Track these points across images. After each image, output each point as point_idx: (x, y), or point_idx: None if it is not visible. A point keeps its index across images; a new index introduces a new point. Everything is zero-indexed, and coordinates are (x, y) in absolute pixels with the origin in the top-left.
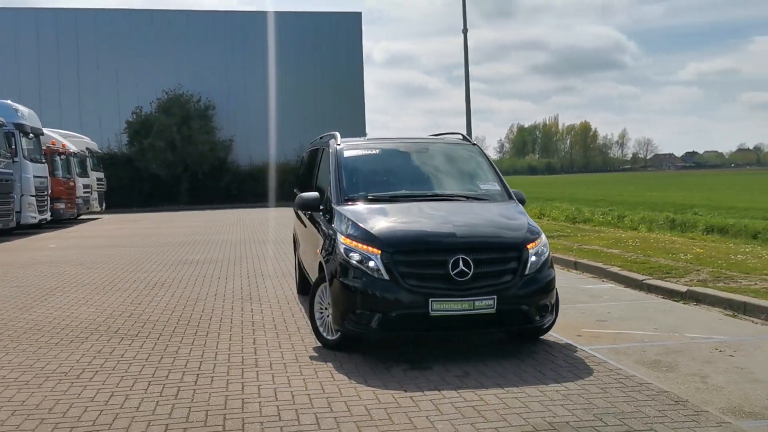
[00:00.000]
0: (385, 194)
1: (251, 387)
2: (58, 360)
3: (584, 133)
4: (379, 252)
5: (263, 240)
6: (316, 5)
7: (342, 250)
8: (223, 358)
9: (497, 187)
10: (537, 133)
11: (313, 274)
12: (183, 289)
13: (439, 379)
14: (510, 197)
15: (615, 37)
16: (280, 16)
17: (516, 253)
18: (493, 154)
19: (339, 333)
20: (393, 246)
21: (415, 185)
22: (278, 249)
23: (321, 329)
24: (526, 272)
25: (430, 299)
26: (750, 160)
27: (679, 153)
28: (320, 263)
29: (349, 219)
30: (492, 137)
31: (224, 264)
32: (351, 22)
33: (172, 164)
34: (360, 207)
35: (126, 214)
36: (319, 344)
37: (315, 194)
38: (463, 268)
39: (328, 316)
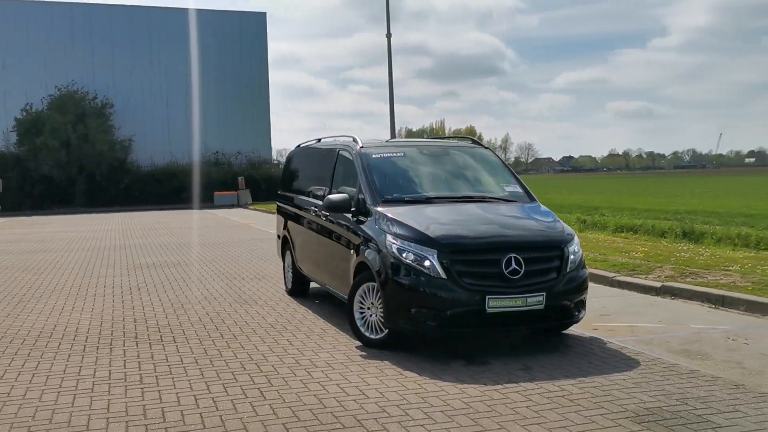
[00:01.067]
0: (420, 196)
1: (331, 386)
2: (111, 367)
3: None
4: (436, 251)
5: (207, 243)
6: (219, 3)
7: (394, 250)
8: (274, 360)
9: (519, 189)
10: (425, 136)
11: (332, 277)
12: (165, 292)
13: (507, 373)
14: (532, 198)
15: (495, 44)
16: (185, 13)
17: (559, 251)
18: None
19: (385, 331)
20: (450, 246)
21: (444, 187)
22: (228, 252)
23: (362, 329)
24: (567, 270)
25: (487, 296)
26: (620, 164)
27: (556, 157)
28: (358, 264)
29: (395, 219)
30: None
31: (183, 267)
32: (255, 22)
33: (67, 165)
34: (402, 208)
35: (21, 217)
36: (359, 344)
37: (344, 196)
38: (516, 266)
39: (371, 315)
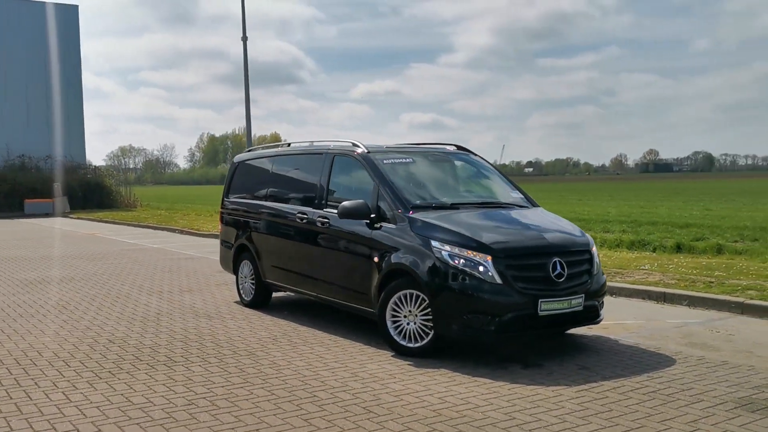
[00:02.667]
0: (443, 202)
1: (409, 397)
2: (146, 393)
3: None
4: (490, 257)
5: (81, 256)
6: None
7: (445, 256)
8: (326, 374)
9: (520, 194)
10: (228, 143)
11: (337, 288)
12: (110, 308)
13: (572, 374)
14: (535, 204)
15: (294, 53)
16: None
17: (589, 254)
18: (183, 163)
19: (426, 340)
20: (503, 251)
21: (462, 193)
22: (118, 265)
23: (398, 338)
24: (594, 271)
25: (540, 300)
26: None
27: None
28: (389, 272)
29: (438, 225)
30: (181, 146)
31: (90, 281)
32: (66, 15)
33: None
34: (435, 213)
35: None
36: (392, 353)
37: (361, 202)
38: (560, 270)
39: (408, 324)
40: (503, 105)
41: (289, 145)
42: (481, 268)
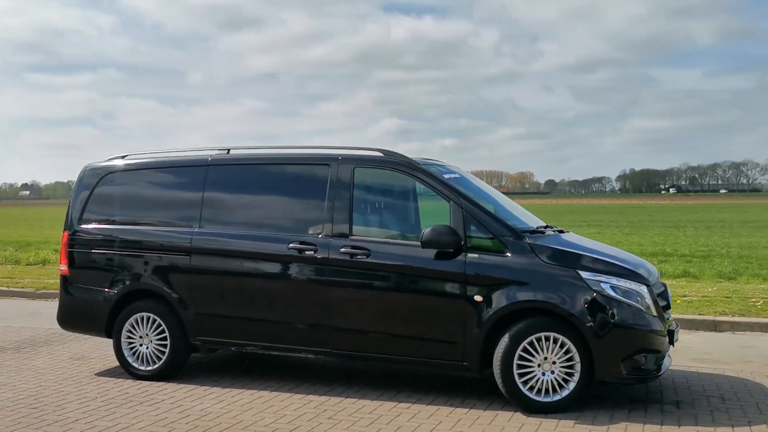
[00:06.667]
0: (527, 226)
1: None
2: None
3: None
4: (645, 287)
5: None
6: None
7: (606, 289)
8: None
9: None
10: None
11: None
12: None
13: (698, 411)
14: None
15: None
16: None
17: None
18: None
19: (568, 390)
20: (651, 279)
21: (519, 214)
22: None
23: (529, 393)
24: None
25: (674, 331)
26: None
27: None
28: (511, 312)
29: (575, 253)
30: None
31: None
32: None
33: None
34: (548, 238)
35: None
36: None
37: (447, 227)
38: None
39: (543, 374)
40: None
41: (228, 151)
42: (642, 300)
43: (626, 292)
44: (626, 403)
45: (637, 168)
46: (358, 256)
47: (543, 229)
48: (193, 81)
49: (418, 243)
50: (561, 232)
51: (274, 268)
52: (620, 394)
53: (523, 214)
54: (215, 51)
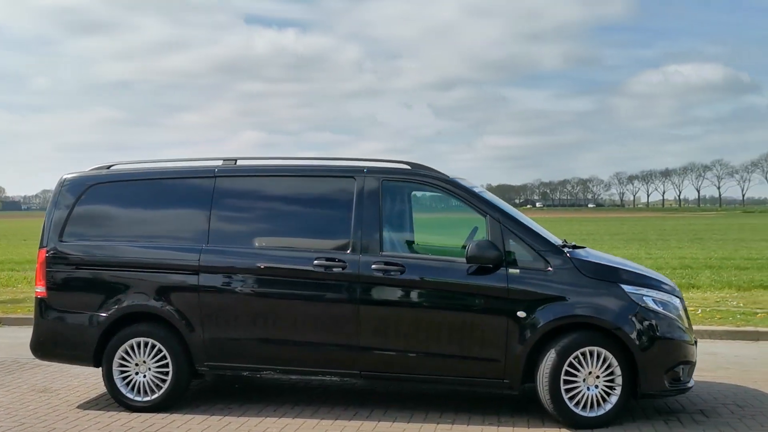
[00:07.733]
0: (556, 240)
1: None
2: None
3: None
4: (678, 299)
5: None
6: None
7: (649, 302)
8: None
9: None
10: None
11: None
12: None
13: (727, 419)
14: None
15: None
16: None
17: None
18: None
19: (611, 405)
20: (677, 291)
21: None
22: None
23: (575, 408)
24: None
25: (697, 342)
26: None
27: None
28: (555, 328)
29: (615, 267)
30: None
31: None
32: None
33: None
34: (582, 252)
35: None
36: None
37: (489, 241)
38: None
39: (588, 389)
40: None
41: (235, 162)
42: (677, 312)
43: (665, 305)
44: (657, 414)
45: (494, 183)
46: (392, 273)
47: (565, 244)
48: (38, 86)
49: (454, 258)
50: (578, 247)
51: (297, 285)
52: (645, 405)
53: (542, 229)
54: (63, 55)
